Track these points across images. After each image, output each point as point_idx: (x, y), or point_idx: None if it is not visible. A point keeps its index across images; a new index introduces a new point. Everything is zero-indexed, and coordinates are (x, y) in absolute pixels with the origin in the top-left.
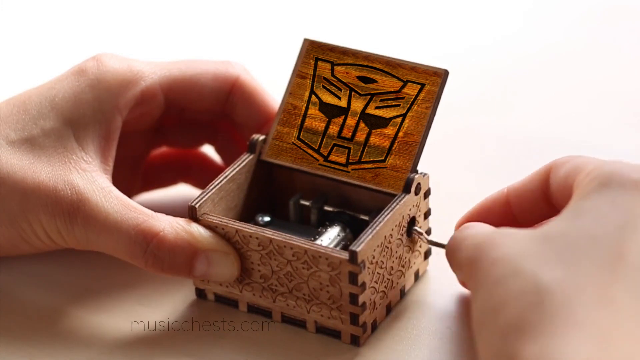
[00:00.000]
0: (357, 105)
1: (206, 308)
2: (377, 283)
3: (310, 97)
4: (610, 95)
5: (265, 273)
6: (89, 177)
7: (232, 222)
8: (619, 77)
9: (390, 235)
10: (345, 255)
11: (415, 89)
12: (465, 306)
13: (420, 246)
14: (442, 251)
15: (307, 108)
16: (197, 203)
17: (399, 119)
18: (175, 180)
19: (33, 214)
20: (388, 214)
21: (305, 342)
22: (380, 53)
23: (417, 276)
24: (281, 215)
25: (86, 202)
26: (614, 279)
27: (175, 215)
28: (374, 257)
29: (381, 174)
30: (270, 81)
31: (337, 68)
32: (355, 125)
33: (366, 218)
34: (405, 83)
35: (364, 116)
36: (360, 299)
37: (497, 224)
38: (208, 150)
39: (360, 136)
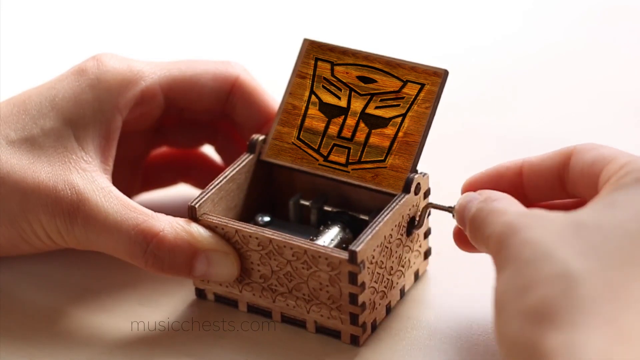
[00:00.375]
0: (357, 105)
1: (206, 308)
2: (376, 283)
3: (310, 97)
4: (610, 95)
5: (265, 273)
6: (89, 177)
7: (232, 222)
8: (619, 77)
9: (390, 235)
10: (345, 255)
11: (415, 89)
12: (465, 306)
13: (420, 246)
14: (442, 251)
15: (307, 108)
16: (197, 203)
17: (399, 119)
18: (175, 180)
19: (33, 214)
20: (388, 214)
21: (305, 342)
22: (380, 53)
23: (417, 276)
24: (281, 215)
25: (86, 202)
26: None
27: (175, 215)
28: (373, 257)
29: (381, 173)
30: (270, 81)
31: (337, 68)
32: (355, 125)
33: (366, 218)
34: (405, 83)
35: (363, 116)
36: (360, 299)
37: (505, 191)
38: (208, 150)
39: (360, 136)
